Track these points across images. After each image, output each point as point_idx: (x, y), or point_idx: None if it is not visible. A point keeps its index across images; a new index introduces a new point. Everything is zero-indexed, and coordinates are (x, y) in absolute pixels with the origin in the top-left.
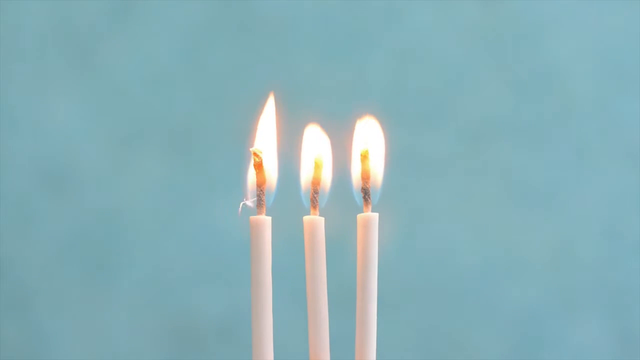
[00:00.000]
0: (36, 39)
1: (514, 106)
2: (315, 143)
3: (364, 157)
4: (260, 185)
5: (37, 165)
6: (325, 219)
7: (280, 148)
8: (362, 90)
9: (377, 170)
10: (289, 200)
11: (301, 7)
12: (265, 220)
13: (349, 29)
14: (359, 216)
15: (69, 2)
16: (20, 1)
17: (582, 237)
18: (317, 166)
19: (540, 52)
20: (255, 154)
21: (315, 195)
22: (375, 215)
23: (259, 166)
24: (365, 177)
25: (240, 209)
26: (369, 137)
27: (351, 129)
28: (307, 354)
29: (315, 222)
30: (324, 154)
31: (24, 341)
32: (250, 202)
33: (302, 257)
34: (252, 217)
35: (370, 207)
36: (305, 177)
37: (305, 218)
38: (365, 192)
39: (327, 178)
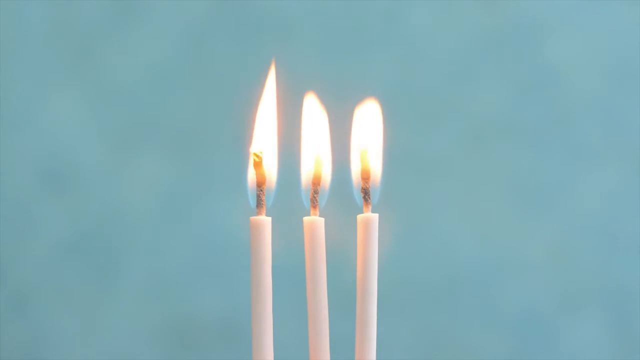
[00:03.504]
0: (36, 39)
1: (514, 106)
2: (315, 118)
3: (363, 156)
4: (260, 185)
5: (37, 166)
6: (325, 220)
7: (280, 148)
8: (362, 90)
9: (376, 169)
10: (289, 200)
11: (301, 7)
12: (265, 221)
13: (349, 29)
14: (359, 216)
15: (69, 2)
16: (20, 1)
17: (582, 237)
18: (317, 164)
19: (541, 52)
20: (255, 154)
21: (315, 195)
22: (375, 215)
23: (258, 166)
24: (365, 177)
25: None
26: (367, 131)
27: (351, 115)
28: (307, 354)
29: (315, 222)
30: (323, 152)
31: (24, 341)
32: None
33: (302, 257)
34: (252, 217)
35: (370, 207)
36: (306, 176)
37: (305, 219)
38: (365, 192)
39: (327, 177)
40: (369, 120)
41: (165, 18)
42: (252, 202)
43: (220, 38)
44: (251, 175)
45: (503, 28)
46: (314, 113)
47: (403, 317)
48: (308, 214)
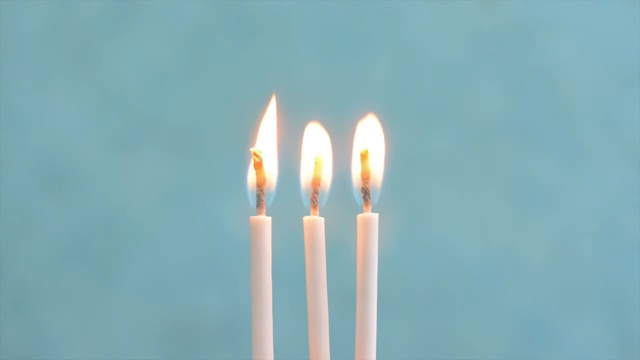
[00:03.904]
0: (36, 39)
1: (514, 106)
2: (316, 141)
3: (364, 156)
4: (260, 185)
5: (37, 166)
6: (325, 219)
7: (281, 148)
8: (363, 90)
9: (377, 170)
10: (289, 200)
11: (301, 7)
12: (265, 220)
13: (349, 29)
14: (359, 216)
15: (69, 2)
16: (20, 1)
17: (581, 237)
18: (317, 165)
19: (540, 52)
20: (255, 154)
21: (315, 195)
22: (375, 215)
23: (258, 166)
24: (365, 177)
25: None
26: (369, 136)
27: (352, 129)
28: (307, 354)
29: (315, 222)
30: (324, 153)
31: (24, 341)
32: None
33: (302, 257)
34: (252, 217)
35: (370, 207)
36: (305, 176)
37: (305, 218)
38: (365, 192)
39: (327, 178)
40: (369, 124)
41: (165, 18)
42: (252, 202)
43: (220, 38)
44: (251, 175)
45: (503, 28)
46: (316, 134)
47: (403, 317)
48: (308, 214)
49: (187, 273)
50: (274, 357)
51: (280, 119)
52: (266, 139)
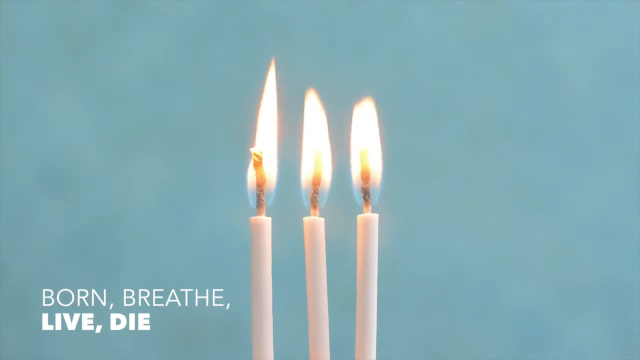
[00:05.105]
0: (36, 39)
1: (514, 106)
2: (316, 114)
3: (363, 156)
4: (260, 185)
5: (37, 166)
6: (325, 219)
7: (280, 148)
8: (362, 90)
9: (376, 169)
10: (289, 200)
11: (301, 7)
12: (265, 221)
13: (349, 29)
14: (359, 216)
15: (68, 2)
16: (20, 1)
17: (582, 237)
18: (317, 163)
19: (540, 52)
20: (255, 154)
21: (315, 195)
22: (375, 215)
23: (258, 166)
24: (365, 177)
25: None
26: (366, 131)
27: (349, 119)
28: (307, 354)
29: (315, 222)
30: (323, 152)
31: (24, 341)
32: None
33: (302, 257)
34: (252, 217)
35: (370, 207)
36: (306, 176)
37: (306, 219)
38: (365, 192)
39: (327, 177)
40: (368, 121)
41: (165, 18)
42: (252, 202)
43: (219, 38)
44: (251, 175)
45: (503, 28)
46: (314, 114)
47: (403, 317)
48: (308, 214)
49: (186, 273)
50: (274, 357)
51: (279, 86)
52: (266, 138)
